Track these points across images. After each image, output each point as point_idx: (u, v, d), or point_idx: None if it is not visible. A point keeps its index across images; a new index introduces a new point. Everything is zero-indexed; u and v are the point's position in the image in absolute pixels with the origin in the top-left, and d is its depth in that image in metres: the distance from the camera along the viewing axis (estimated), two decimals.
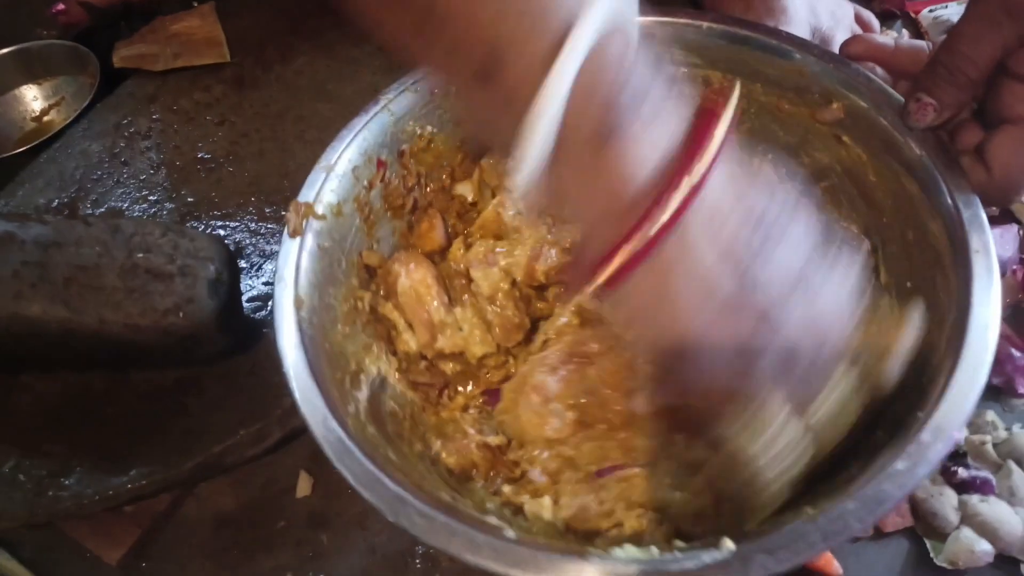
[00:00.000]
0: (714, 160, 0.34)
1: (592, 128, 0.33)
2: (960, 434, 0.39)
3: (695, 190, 0.34)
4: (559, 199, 0.37)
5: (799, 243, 0.37)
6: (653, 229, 0.34)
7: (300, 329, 0.45)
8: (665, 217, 0.34)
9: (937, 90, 0.46)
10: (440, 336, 0.51)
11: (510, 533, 0.37)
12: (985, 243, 0.43)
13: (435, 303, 0.52)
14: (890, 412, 0.42)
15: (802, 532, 0.35)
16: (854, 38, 0.52)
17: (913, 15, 0.80)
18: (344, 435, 0.40)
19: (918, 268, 0.47)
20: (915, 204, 0.48)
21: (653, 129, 0.34)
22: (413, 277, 0.52)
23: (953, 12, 0.78)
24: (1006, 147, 0.45)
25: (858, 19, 0.76)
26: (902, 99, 0.49)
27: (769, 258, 0.36)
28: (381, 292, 0.53)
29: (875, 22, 0.77)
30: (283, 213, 0.67)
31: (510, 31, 0.32)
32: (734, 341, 0.36)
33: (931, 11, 0.79)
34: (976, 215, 0.44)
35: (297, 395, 0.42)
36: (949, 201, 0.45)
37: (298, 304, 0.46)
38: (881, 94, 0.50)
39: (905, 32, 0.79)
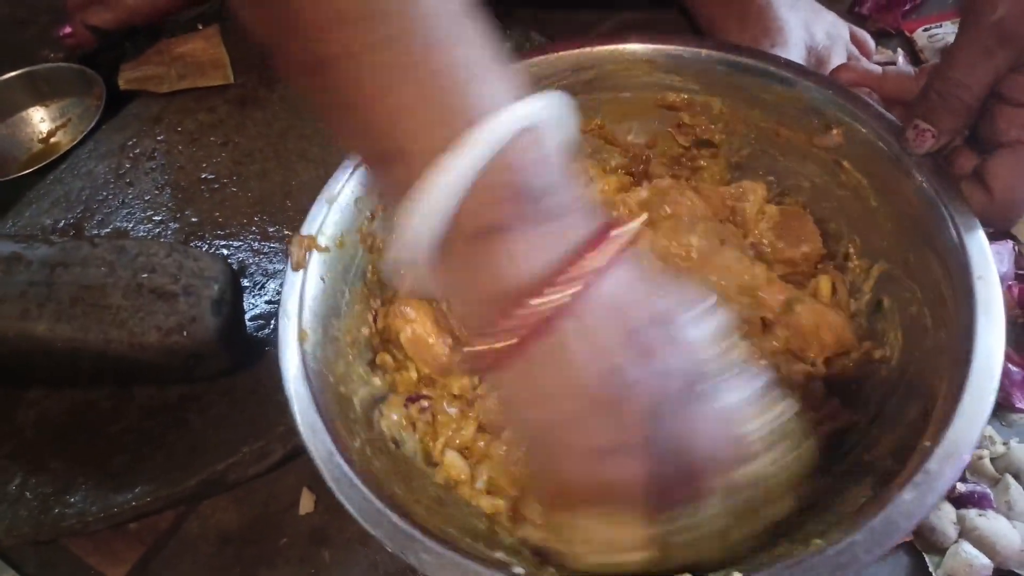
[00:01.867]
0: (604, 268, 0.35)
1: (477, 226, 0.34)
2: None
3: (577, 295, 0.34)
4: (442, 288, 0.38)
5: (683, 363, 0.36)
6: (522, 326, 0.34)
7: (304, 363, 0.45)
8: (534, 318, 0.34)
9: (934, 117, 0.46)
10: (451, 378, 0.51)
11: (519, 570, 0.37)
12: (988, 269, 0.43)
13: (442, 348, 0.51)
14: (897, 441, 0.42)
15: (811, 565, 0.35)
16: (844, 66, 0.53)
17: (908, 34, 0.81)
18: (350, 470, 0.40)
19: (921, 293, 0.47)
20: (916, 229, 0.48)
21: (540, 235, 0.34)
22: (415, 328, 0.51)
23: (948, 31, 0.79)
24: (1005, 169, 0.45)
25: (854, 38, 0.77)
26: (900, 124, 0.49)
27: (646, 371, 0.35)
28: (379, 339, 0.53)
29: (870, 42, 0.77)
30: (286, 232, 0.68)
31: (412, 124, 0.34)
32: (593, 442, 0.35)
33: (926, 30, 0.80)
34: (978, 241, 0.45)
35: (302, 429, 0.42)
36: (951, 226, 0.45)
37: (302, 338, 0.46)
38: (880, 120, 0.50)
39: (901, 51, 0.80)
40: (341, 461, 0.41)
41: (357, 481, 0.40)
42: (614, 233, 0.35)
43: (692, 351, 0.36)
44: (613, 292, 0.35)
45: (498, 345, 0.35)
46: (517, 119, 0.33)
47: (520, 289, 0.34)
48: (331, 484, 0.40)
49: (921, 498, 0.36)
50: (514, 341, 0.34)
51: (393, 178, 0.35)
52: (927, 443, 0.38)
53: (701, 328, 0.37)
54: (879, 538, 0.35)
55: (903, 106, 0.50)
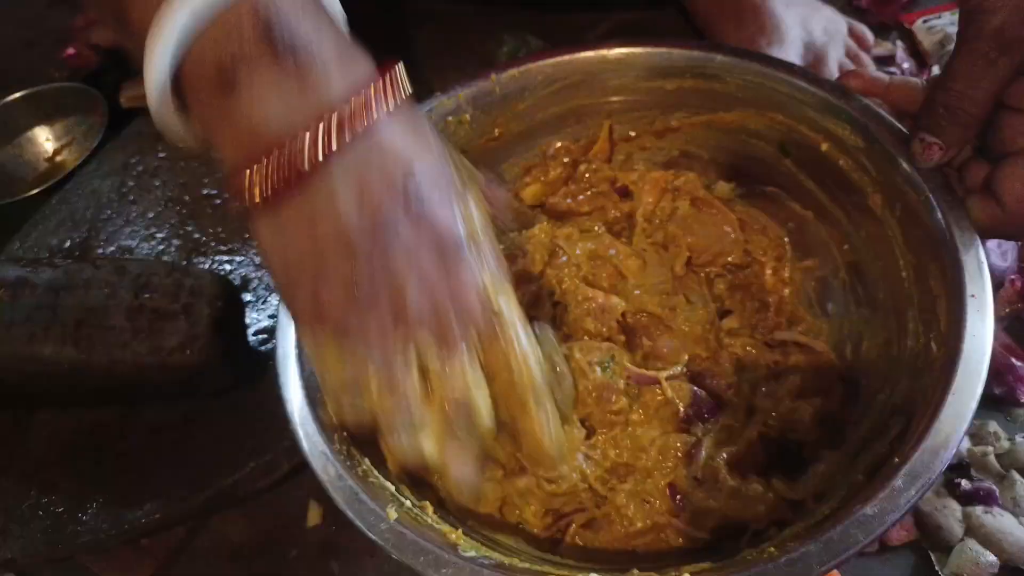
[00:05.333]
0: (376, 117, 0.35)
1: (219, 64, 0.34)
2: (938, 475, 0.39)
3: (343, 144, 0.34)
4: (203, 138, 0.38)
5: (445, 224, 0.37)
6: (281, 173, 0.34)
7: (299, 346, 0.46)
8: (291, 166, 0.34)
9: (939, 130, 0.45)
10: None
11: (471, 553, 0.39)
12: (981, 289, 0.42)
13: None
14: (876, 456, 0.42)
15: (763, 572, 0.35)
16: (850, 73, 0.52)
17: (907, 26, 0.80)
18: (328, 449, 0.42)
19: (919, 311, 0.47)
20: (919, 243, 0.48)
21: (295, 79, 0.35)
22: None
23: (946, 22, 0.78)
24: (1014, 179, 0.44)
25: (852, 33, 0.76)
26: (907, 131, 0.48)
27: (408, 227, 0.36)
28: None
29: (869, 35, 0.77)
30: None
31: None
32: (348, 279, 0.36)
33: (925, 21, 0.80)
34: (976, 257, 0.44)
35: (289, 407, 0.43)
36: (949, 240, 0.45)
37: None
38: (889, 129, 0.49)
39: (900, 44, 0.79)
40: (321, 440, 0.42)
41: (333, 459, 0.41)
42: (382, 85, 0.36)
43: (452, 216, 0.38)
44: (384, 142, 0.36)
45: (255, 192, 0.35)
46: None
47: (271, 135, 0.34)
48: (309, 459, 0.41)
49: (882, 514, 0.36)
50: (268, 192, 0.35)
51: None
52: (896, 460, 0.38)
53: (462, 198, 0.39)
54: (835, 550, 0.35)
55: (910, 117, 0.49)
